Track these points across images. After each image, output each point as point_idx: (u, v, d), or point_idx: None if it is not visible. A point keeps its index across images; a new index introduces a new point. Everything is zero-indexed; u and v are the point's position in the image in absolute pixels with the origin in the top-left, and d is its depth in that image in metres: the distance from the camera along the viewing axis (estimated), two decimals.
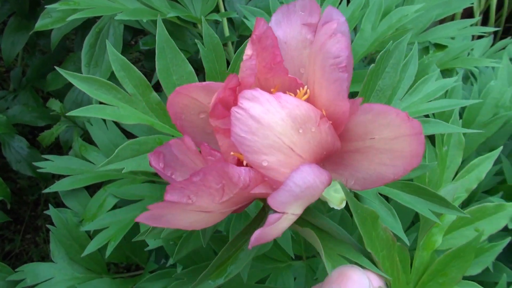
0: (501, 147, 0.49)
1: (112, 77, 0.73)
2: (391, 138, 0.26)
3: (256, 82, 0.29)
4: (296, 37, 0.31)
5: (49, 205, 0.68)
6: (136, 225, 0.67)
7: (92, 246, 0.65)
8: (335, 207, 0.31)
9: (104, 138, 0.70)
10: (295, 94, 0.29)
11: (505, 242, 0.48)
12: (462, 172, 0.51)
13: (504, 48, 0.79)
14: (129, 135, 0.71)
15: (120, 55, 0.42)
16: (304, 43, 0.32)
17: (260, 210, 0.30)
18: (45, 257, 1.03)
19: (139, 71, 0.43)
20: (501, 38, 0.99)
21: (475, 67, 0.76)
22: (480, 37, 0.94)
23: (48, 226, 0.67)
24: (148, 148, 0.41)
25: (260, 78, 0.29)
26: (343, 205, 0.31)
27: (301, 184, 0.23)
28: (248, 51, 0.27)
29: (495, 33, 1.13)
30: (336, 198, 0.31)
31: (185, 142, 0.26)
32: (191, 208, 0.24)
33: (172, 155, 0.30)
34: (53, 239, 0.68)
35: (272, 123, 0.24)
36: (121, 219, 0.69)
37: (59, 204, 0.73)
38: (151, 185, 0.71)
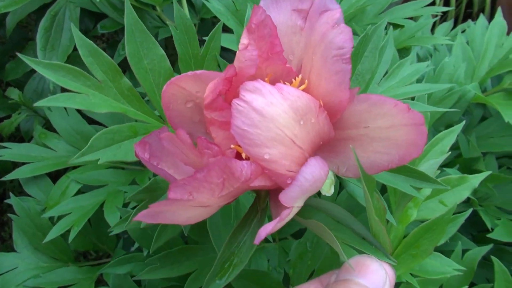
0: (463, 122, 0.51)
1: (71, 61, 0.69)
2: (386, 127, 0.27)
3: None
4: (285, 23, 0.31)
5: (10, 193, 0.64)
6: (101, 212, 0.65)
7: (53, 232, 0.62)
8: (326, 194, 0.31)
9: (65, 124, 0.66)
10: (290, 83, 0.29)
11: (468, 213, 0.51)
12: (427, 146, 0.53)
13: (463, 32, 0.83)
14: (89, 120, 0.68)
15: (88, 39, 0.39)
16: (294, 29, 0.31)
17: (253, 202, 0.30)
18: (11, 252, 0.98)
19: (108, 56, 0.40)
20: None
21: (433, 48, 0.78)
22: (442, 22, 0.97)
23: (10, 215, 0.64)
24: (122, 137, 0.40)
25: None
26: (332, 190, 0.31)
27: (310, 178, 0.23)
28: (244, 40, 0.26)
29: (456, 19, 1.17)
30: (326, 184, 0.32)
31: (179, 136, 0.25)
32: (191, 204, 0.23)
33: (158, 145, 0.29)
34: (16, 228, 0.65)
35: (275, 116, 0.23)
36: (84, 205, 0.67)
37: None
38: (115, 170, 0.69)
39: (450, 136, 0.52)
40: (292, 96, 0.24)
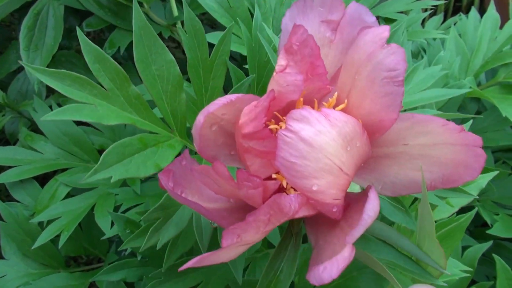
0: (471, 121, 0.51)
1: (54, 65, 0.65)
2: (429, 145, 0.26)
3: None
4: (313, 35, 0.29)
5: None
6: (92, 215, 0.63)
7: (43, 238, 0.60)
8: None
9: (52, 126, 0.63)
10: (323, 100, 0.28)
11: (473, 213, 0.51)
12: None
13: (454, 24, 0.82)
14: (77, 121, 0.65)
15: (94, 45, 0.37)
16: (322, 41, 0.30)
17: (287, 227, 0.28)
18: None
19: (115, 62, 0.38)
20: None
21: (427, 42, 0.78)
22: (432, 16, 0.97)
23: None
24: (133, 150, 0.38)
25: None
26: None
27: (373, 215, 0.22)
28: (282, 61, 0.25)
29: (446, 12, 1.17)
30: None
31: (216, 169, 0.24)
32: (238, 245, 0.22)
33: (181, 171, 0.27)
34: (4, 235, 0.62)
35: (324, 145, 0.22)
36: (74, 209, 0.65)
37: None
38: None
39: None
40: (340, 122, 0.23)
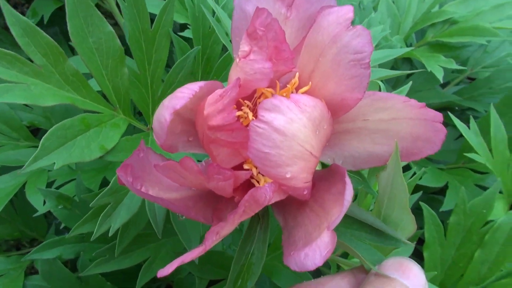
0: (410, 83, 0.52)
1: None
2: (387, 119, 0.26)
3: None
4: None
5: None
6: (26, 197, 0.58)
7: None
8: None
9: None
10: (285, 80, 0.27)
11: (420, 174, 0.54)
12: None
13: None
14: None
15: (22, 16, 0.32)
16: (277, 18, 0.28)
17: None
18: None
19: (48, 36, 0.34)
20: None
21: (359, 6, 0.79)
22: None
23: None
24: (75, 132, 0.35)
25: None
26: None
27: (350, 200, 0.22)
28: (245, 46, 0.23)
29: None
30: None
31: (184, 164, 0.22)
32: (217, 241, 0.22)
33: (139, 164, 0.26)
34: None
35: (296, 132, 0.22)
36: (3, 187, 0.60)
37: None
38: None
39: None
40: (309, 108, 0.23)
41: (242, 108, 0.26)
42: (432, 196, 0.72)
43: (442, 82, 0.67)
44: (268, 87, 0.26)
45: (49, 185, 0.60)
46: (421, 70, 0.76)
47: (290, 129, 0.22)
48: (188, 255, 0.21)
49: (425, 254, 0.56)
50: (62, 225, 0.58)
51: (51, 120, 0.63)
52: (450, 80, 0.82)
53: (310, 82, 0.26)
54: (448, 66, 0.68)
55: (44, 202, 0.57)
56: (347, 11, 0.24)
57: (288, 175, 0.22)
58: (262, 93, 0.26)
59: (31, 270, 0.74)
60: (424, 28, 0.77)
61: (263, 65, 0.23)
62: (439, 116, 0.25)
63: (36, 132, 0.69)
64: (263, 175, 0.25)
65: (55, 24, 0.71)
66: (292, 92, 0.26)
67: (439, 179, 0.66)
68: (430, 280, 0.56)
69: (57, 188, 0.60)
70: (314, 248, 0.21)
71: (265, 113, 0.21)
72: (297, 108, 0.22)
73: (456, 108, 0.81)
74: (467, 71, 0.80)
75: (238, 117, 0.26)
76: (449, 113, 0.61)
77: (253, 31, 0.23)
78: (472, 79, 0.83)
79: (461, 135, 0.75)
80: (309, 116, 0.23)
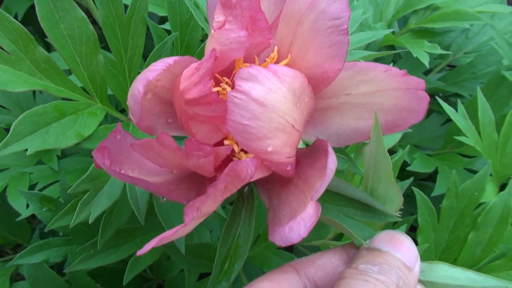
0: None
1: None
2: (370, 93, 0.25)
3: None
4: None
5: None
6: (7, 202, 0.57)
7: None
8: None
9: None
10: (264, 56, 0.26)
11: (402, 156, 0.54)
12: None
13: None
14: None
15: None
16: None
17: (238, 192, 0.27)
18: None
19: (16, 22, 0.33)
20: None
21: None
22: None
23: None
24: (49, 119, 0.33)
25: None
26: None
27: (333, 168, 0.21)
28: (220, 16, 0.22)
29: None
30: None
31: (161, 141, 0.21)
32: (198, 218, 0.20)
33: (117, 147, 0.25)
34: None
35: (276, 103, 0.21)
36: None
37: None
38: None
39: None
40: (289, 78, 0.22)
41: (221, 84, 0.25)
42: (422, 182, 0.71)
43: (428, 67, 0.67)
44: (246, 63, 0.25)
45: (32, 188, 0.59)
46: (404, 59, 0.76)
47: (269, 99, 0.21)
48: (168, 232, 0.20)
49: (419, 239, 0.56)
50: (47, 228, 0.56)
51: None
52: (432, 68, 0.82)
53: (289, 55, 0.25)
54: (433, 51, 0.67)
55: (28, 206, 0.56)
56: None
57: (269, 149, 0.21)
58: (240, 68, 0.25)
59: (16, 278, 0.72)
60: (406, 15, 0.76)
61: (239, 34, 0.22)
62: (421, 83, 0.24)
63: None
64: (245, 153, 0.24)
65: (30, 23, 0.69)
66: None
67: (428, 164, 0.65)
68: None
69: (40, 190, 0.58)
70: (299, 221, 0.20)
71: (242, 82, 0.20)
72: (275, 77, 0.21)
73: (440, 94, 0.81)
74: (450, 57, 0.80)
75: (217, 92, 0.25)
76: (437, 98, 0.61)
77: (227, 1, 0.22)
78: (452, 66, 0.83)
79: (447, 121, 0.76)
80: (288, 86, 0.21)
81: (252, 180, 0.22)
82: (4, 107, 0.61)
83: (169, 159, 0.23)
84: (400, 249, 0.24)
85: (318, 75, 0.24)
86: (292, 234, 0.20)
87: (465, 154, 0.67)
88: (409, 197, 0.62)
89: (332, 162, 0.21)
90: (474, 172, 0.63)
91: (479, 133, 0.58)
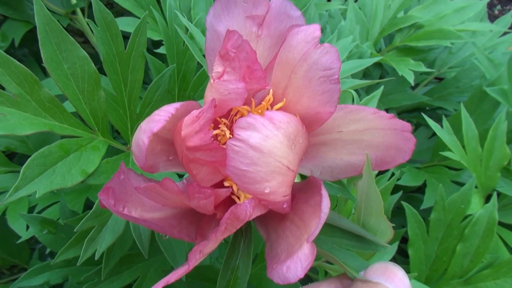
0: (382, 87, 0.53)
1: None
2: (360, 130, 0.27)
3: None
4: (239, 31, 0.29)
5: None
6: (6, 224, 0.58)
7: None
8: None
9: None
10: (259, 97, 0.28)
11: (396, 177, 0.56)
12: None
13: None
14: None
15: None
16: (249, 36, 0.30)
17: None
18: None
19: (22, 65, 0.34)
20: None
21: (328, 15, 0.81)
22: None
23: None
24: (55, 159, 0.35)
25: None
26: None
27: (327, 211, 0.23)
28: (219, 67, 0.24)
29: None
30: None
31: (165, 186, 0.23)
32: (200, 259, 0.22)
33: (120, 187, 0.27)
34: None
35: (273, 149, 0.23)
36: None
37: None
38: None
39: (371, 102, 0.55)
40: (284, 124, 0.24)
41: (220, 126, 0.27)
42: (411, 195, 0.74)
43: (412, 84, 0.70)
44: (243, 105, 0.27)
45: (31, 210, 0.60)
46: (391, 75, 0.79)
47: (266, 145, 0.22)
48: (173, 275, 0.21)
49: (410, 252, 0.58)
50: (48, 250, 0.57)
51: (27, 144, 0.62)
52: (419, 82, 0.85)
53: (284, 99, 0.27)
54: (417, 69, 0.70)
55: (28, 228, 0.57)
56: (314, 30, 0.25)
57: (267, 191, 0.23)
58: (238, 111, 0.27)
59: None
60: (391, 33, 0.79)
61: (237, 86, 0.24)
62: (407, 126, 0.26)
63: (12, 156, 0.69)
64: (243, 191, 0.26)
65: (25, 46, 0.71)
66: (267, 109, 0.27)
67: (417, 178, 0.68)
68: (416, 277, 0.58)
69: (39, 212, 0.59)
70: (296, 261, 0.22)
71: (240, 131, 0.22)
72: (271, 125, 0.23)
73: (427, 108, 0.84)
74: (434, 73, 0.83)
75: (216, 135, 0.27)
76: (422, 114, 0.63)
77: (225, 53, 0.24)
78: (440, 78, 0.86)
79: (434, 134, 0.78)
80: (284, 132, 0.23)
81: (250, 219, 0.24)
82: None
83: (171, 200, 0.24)
84: (393, 280, 0.25)
85: (312, 115, 0.26)
86: (290, 274, 0.22)
87: (451, 167, 0.70)
88: (399, 209, 0.65)
89: (326, 205, 0.23)
90: (461, 184, 0.65)
91: (463, 146, 0.61)
